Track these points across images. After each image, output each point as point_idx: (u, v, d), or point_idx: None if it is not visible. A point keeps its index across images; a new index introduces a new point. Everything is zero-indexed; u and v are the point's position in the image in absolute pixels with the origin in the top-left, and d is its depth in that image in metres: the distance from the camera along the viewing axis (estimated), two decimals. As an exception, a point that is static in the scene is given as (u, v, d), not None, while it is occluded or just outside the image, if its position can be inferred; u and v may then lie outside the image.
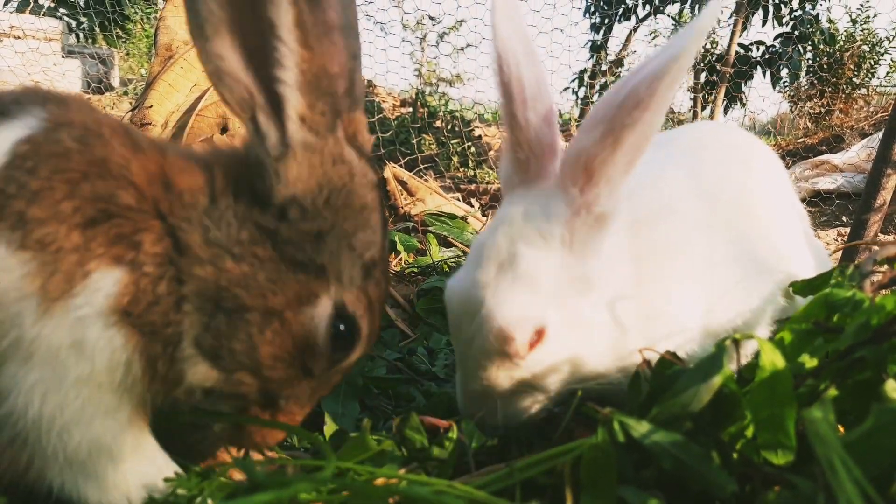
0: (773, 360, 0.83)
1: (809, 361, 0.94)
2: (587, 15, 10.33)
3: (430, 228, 2.94)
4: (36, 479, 0.85)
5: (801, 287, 1.19)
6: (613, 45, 10.56)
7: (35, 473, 0.84)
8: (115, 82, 8.60)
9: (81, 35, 10.08)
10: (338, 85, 0.87)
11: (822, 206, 5.40)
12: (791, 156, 7.09)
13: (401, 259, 2.78)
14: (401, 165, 4.41)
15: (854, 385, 0.87)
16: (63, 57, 8.72)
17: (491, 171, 8.25)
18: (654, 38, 10.27)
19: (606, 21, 10.34)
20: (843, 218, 4.90)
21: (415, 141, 8.20)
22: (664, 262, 1.13)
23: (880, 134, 5.82)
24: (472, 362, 1.03)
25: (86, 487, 0.86)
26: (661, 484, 0.86)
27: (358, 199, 0.91)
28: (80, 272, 0.79)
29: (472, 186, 5.81)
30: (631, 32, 10.59)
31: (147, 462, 0.90)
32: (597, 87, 10.32)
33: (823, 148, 7.01)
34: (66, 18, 9.60)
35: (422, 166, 7.15)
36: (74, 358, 0.80)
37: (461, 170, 8.67)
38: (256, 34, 0.83)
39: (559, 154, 1.06)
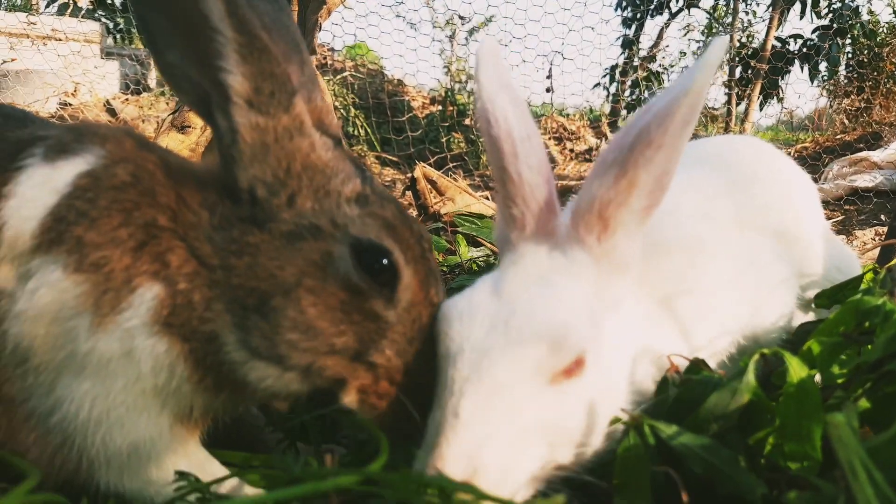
0: (801, 375, 0.84)
1: (838, 373, 0.94)
2: (619, 10, 10.24)
3: (459, 229, 2.97)
4: (86, 479, 0.91)
5: (825, 298, 1.19)
6: (645, 42, 10.44)
7: (84, 474, 0.90)
8: (153, 83, 8.79)
9: (119, 36, 10.32)
10: (285, 68, 0.92)
11: (859, 205, 5.28)
12: (828, 153, 6.93)
13: (431, 259, 2.82)
14: (430, 164, 4.44)
15: (883, 397, 0.87)
16: (102, 59, 8.96)
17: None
18: (686, 32, 10.13)
19: (638, 16, 10.22)
20: (882, 216, 4.78)
21: (444, 139, 8.23)
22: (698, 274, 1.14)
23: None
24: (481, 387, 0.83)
25: (130, 485, 0.92)
26: (689, 487, 0.87)
27: (319, 160, 0.95)
28: (127, 288, 0.86)
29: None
30: (663, 28, 10.46)
31: (188, 461, 0.94)
32: (628, 83, 10.22)
33: (862, 145, 6.83)
34: (104, 20, 9.83)
35: (451, 165, 7.18)
36: (123, 366, 0.87)
37: (490, 168, 8.65)
38: (200, 35, 0.88)
39: (557, 211, 1.00)
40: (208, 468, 0.95)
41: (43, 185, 0.90)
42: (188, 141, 2.52)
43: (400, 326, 0.92)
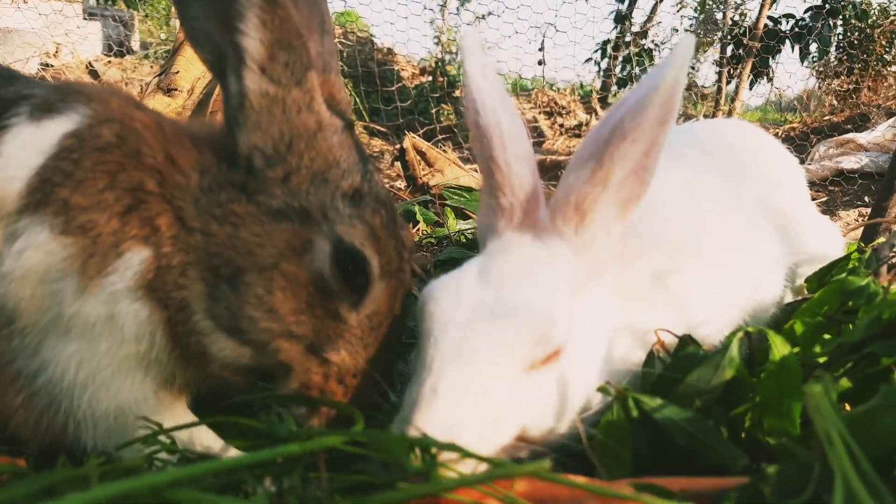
0: (784, 353, 0.85)
1: (820, 352, 0.96)
2: (613, -17, 10.09)
3: (447, 202, 2.97)
4: (72, 441, 0.91)
5: (814, 281, 1.21)
6: (638, 16, 10.35)
7: (71, 436, 0.90)
8: (136, 45, 8.60)
9: (102, -4, 10.05)
10: (304, 40, 0.91)
11: (844, 186, 5.32)
12: (816, 133, 6.96)
13: (419, 229, 2.82)
14: (419, 135, 4.40)
15: (863, 378, 0.89)
16: (85, 19, 8.72)
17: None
18: (680, 8, 10.04)
19: (632, -10, 10.10)
20: (865, 198, 4.84)
21: (433, 111, 8.16)
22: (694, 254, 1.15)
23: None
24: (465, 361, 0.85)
25: (117, 446, 0.92)
26: (670, 459, 0.89)
27: (324, 142, 0.93)
28: (115, 252, 0.86)
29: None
30: (657, 3, 10.36)
31: (174, 424, 0.95)
32: (619, 59, 10.15)
33: (849, 126, 6.87)
34: (86, -22, 9.55)
35: (440, 136, 7.12)
36: (108, 330, 0.87)
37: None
38: None
39: (542, 203, 1.02)
40: (196, 432, 0.96)
41: (28, 144, 0.89)
42: (174, 104, 2.47)
43: (359, 331, 0.93)
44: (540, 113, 9.10)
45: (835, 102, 7.84)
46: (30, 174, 0.87)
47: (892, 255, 1.15)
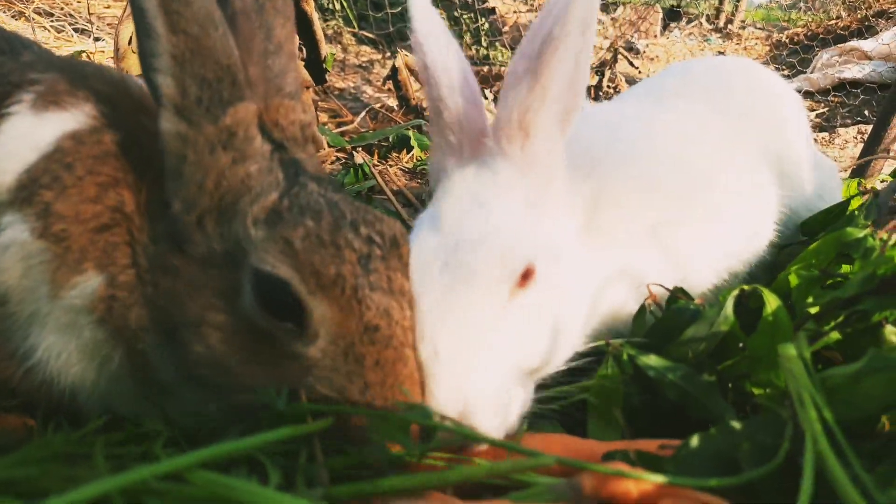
0: (776, 310, 0.87)
1: (813, 303, 0.97)
2: None
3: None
4: (76, 407, 0.95)
5: (810, 227, 1.21)
6: None
7: (72, 403, 0.94)
8: None
9: None
10: (231, 69, 0.82)
11: (844, 100, 5.22)
12: (820, 41, 6.75)
13: (413, 155, 2.77)
14: (410, 44, 4.25)
15: (854, 332, 0.91)
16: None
17: (505, 51, 7.92)
18: None
19: None
20: (866, 112, 4.76)
21: (425, 17, 7.81)
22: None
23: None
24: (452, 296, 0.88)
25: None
26: (660, 411, 0.93)
27: (235, 176, 0.83)
28: (78, 269, 0.85)
29: (486, 69, 5.60)
30: None
31: None
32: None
33: (854, 35, 6.65)
34: None
35: (433, 45, 6.87)
36: (74, 335, 0.88)
37: (473, 48, 8.31)
38: (140, 27, 0.81)
39: (489, 135, 1.02)
40: None
41: (25, 138, 0.87)
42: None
43: (328, 361, 0.78)
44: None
45: (843, 14, 7.55)
46: (21, 169, 0.85)
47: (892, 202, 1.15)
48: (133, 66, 2.38)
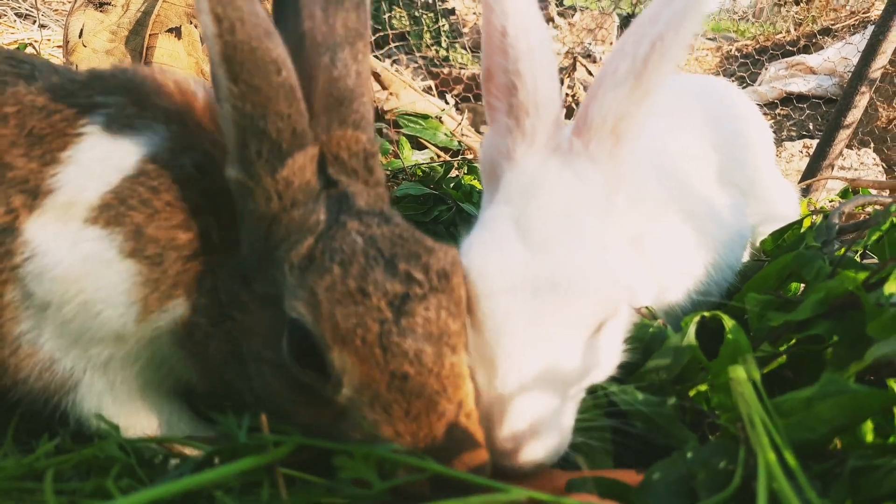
0: (735, 333, 0.90)
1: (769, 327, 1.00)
2: None
3: (402, 130, 2.88)
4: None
5: (769, 242, 1.25)
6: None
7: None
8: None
9: None
10: (289, 118, 0.81)
11: (790, 113, 5.43)
12: (768, 55, 6.99)
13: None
14: (371, 43, 4.22)
15: (806, 354, 0.94)
16: None
17: (464, 53, 7.94)
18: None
19: None
20: (811, 126, 4.95)
21: (385, 16, 7.76)
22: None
23: (858, 37, 5.75)
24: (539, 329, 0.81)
25: None
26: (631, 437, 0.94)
27: (280, 223, 0.84)
28: (171, 294, 0.88)
29: (445, 71, 5.60)
30: None
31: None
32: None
33: (799, 49, 6.91)
34: None
35: (392, 45, 6.84)
36: (143, 362, 0.95)
37: (433, 48, 8.30)
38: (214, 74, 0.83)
39: (563, 126, 0.94)
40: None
41: (104, 160, 0.90)
42: (108, 21, 2.25)
43: (356, 412, 0.76)
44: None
45: (791, 29, 7.84)
46: (105, 189, 0.87)
47: (840, 223, 1.20)
48: (83, 60, 2.29)
